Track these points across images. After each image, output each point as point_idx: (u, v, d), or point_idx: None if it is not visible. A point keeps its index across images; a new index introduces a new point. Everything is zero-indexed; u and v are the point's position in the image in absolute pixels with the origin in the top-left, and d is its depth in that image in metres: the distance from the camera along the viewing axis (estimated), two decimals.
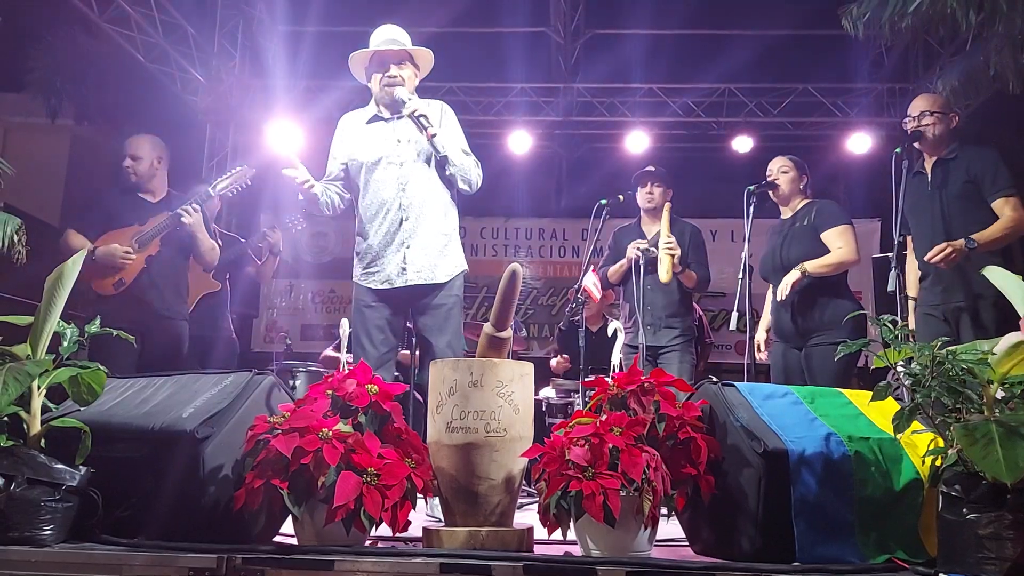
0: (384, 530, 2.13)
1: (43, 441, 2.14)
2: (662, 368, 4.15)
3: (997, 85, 6.32)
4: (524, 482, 2.63)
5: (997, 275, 2.08)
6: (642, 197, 4.68)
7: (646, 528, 2.11)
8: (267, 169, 8.45)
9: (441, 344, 3.25)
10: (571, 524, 2.11)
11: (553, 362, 6.27)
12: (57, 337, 2.27)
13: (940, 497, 1.87)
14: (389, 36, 3.44)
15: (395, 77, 3.35)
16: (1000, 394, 1.88)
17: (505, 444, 2.28)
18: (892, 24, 5.47)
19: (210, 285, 4.86)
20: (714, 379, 2.40)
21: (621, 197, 4.59)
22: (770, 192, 4.22)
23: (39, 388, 2.16)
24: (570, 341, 6.00)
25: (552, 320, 9.13)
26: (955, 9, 5.00)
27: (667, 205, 4.56)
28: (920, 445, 2.10)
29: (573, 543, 2.22)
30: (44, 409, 2.21)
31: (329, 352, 6.11)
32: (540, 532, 2.27)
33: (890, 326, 2.08)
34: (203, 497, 2.15)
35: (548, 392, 5.78)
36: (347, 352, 2.60)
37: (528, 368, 2.42)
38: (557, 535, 2.17)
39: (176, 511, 2.13)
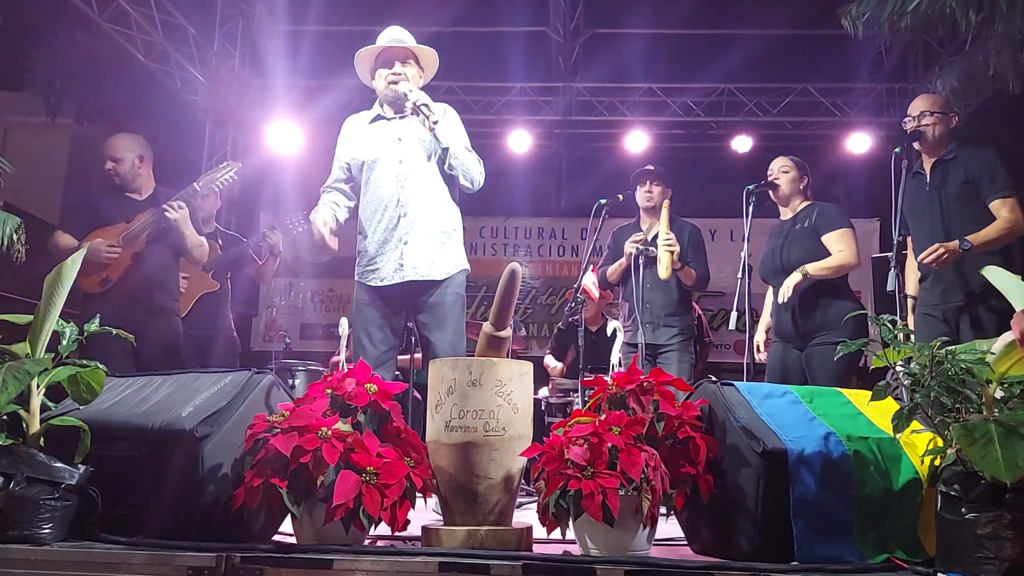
0: (383, 529, 2.13)
1: (42, 440, 2.14)
2: (661, 367, 4.18)
3: (997, 85, 6.33)
4: (523, 481, 2.63)
5: (996, 275, 2.08)
6: (641, 196, 4.69)
7: (645, 527, 2.11)
8: (266, 169, 8.51)
9: (442, 343, 3.22)
10: (570, 523, 2.12)
11: (551, 361, 6.25)
12: (56, 336, 2.27)
13: (939, 497, 1.87)
14: (395, 36, 3.46)
15: (399, 74, 3.35)
16: (999, 394, 1.88)
17: (504, 443, 2.28)
18: (891, 24, 5.47)
19: (208, 284, 4.85)
20: (713, 378, 2.40)
21: (620, 197, 4.58)
22: (770, 192, 4.22)
23: (38, 387, 2.16)
24: (569, 341, 6.00)
25: (551, 319, 9.14)
26: (954, 9, 5.00)
27: (666, 203, 4.56)
28: (919, 445, 2.11)
29: (572, 542, 2.22)
30: (43, 408, 2.21)
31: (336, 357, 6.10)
32: (539, 531, 2.27)
33: (889, 326, 2.08)
34: (202, 496, 2.15)
35: (547, 391, 5.79)
36: (346, 350, 2.60)
37: (527, 367, 2.42)
38: (556, 534, 2.17)
39: (175, 510, 2.13)
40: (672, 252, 4.33)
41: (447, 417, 2.30)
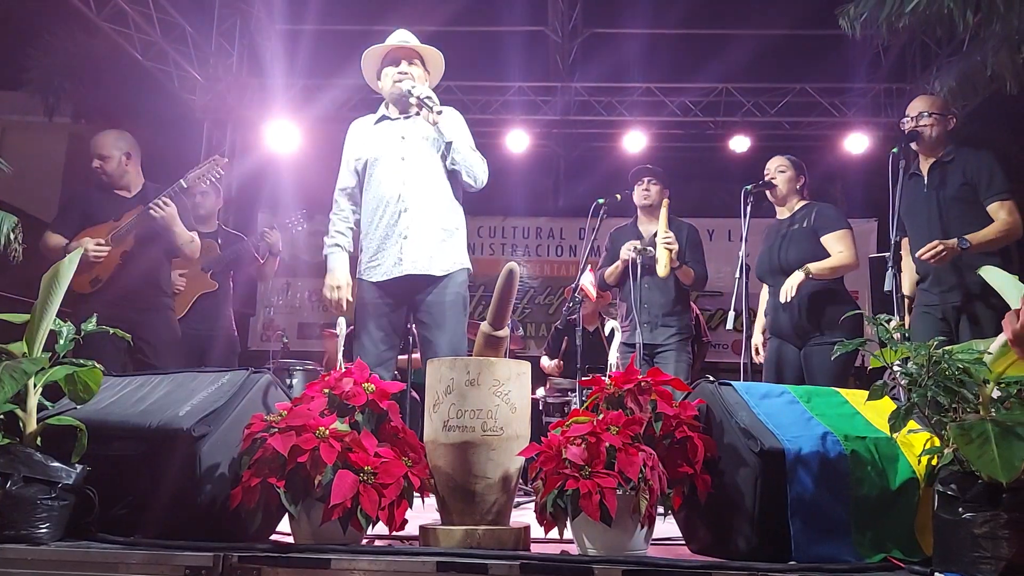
0: (381, 529, 2.13)
1: (39, 439, 2.14)
2: (659, 366, 4.18)
3: (994, 85, 6.33)
4: (521, 481, 2.63)
5: (993, 275, 2.09)
6: (638, 194, 4.69)
7: (642, 527, 2.11)
8: (265, 168, 8.50)
9: (442, 343, 3.21)
10: (568, 523, 2.12)
11: (547, 362, 6.25)
12: (53, 335, 2.27)
13: (936, 496, 1.87)
14: (401, 38, 3.49)
15: (405, 73, 3.37)
16: (996, 393, 1.89)
17: (502, 443, 2.28)
18: (889, 24, 5.47)
19: (207, 284, 4.85)
20: (711, 378, 2.40)
21: (618, 196, 4.59)
22: (767, 192, 4.23)
23: (35, 386, 2.16)
24: (564, 340, 6.00)
25: (549, 319, 9.14)
26: (952, 9, 5.00)
27: (665, 201, 4.57)
28: (916, 444, 2.11)
29: (570, 542, 2.22)
30: (40, 407, 2.21)
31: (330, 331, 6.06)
32: (537, 531, 2.26)
33: (886, 326, 2.08)
34: (200, 495, 2.14)
35: (541, 393, 5.79)
36: (343, 349, 2.60)
37: (525, 367, 2.42)
38: (554, 534, 2.17)
39: (173, 509, 2.13)
40: (671, 250, 4.33)
41: (445, 417, 2.30)
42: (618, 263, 4.57)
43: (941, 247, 3.47)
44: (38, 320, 2.19)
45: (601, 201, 4.52)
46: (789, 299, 3.88)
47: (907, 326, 3.72)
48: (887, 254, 3.63)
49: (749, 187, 4.10)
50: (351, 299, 3.41)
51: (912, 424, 2.03)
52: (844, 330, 3.80)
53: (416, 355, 4.84)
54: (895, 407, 1.99)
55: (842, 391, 2.45)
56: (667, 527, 2.45)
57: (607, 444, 2.08)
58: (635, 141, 8.68)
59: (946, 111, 3.89)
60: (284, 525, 2.27)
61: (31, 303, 2.20)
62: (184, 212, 4.07)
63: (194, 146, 8.57)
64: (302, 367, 5.84)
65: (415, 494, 2.18)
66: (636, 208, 4.75)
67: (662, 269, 4.32)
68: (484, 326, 2.56)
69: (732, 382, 2.39)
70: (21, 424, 2.13)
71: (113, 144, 4.08)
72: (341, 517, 2.01)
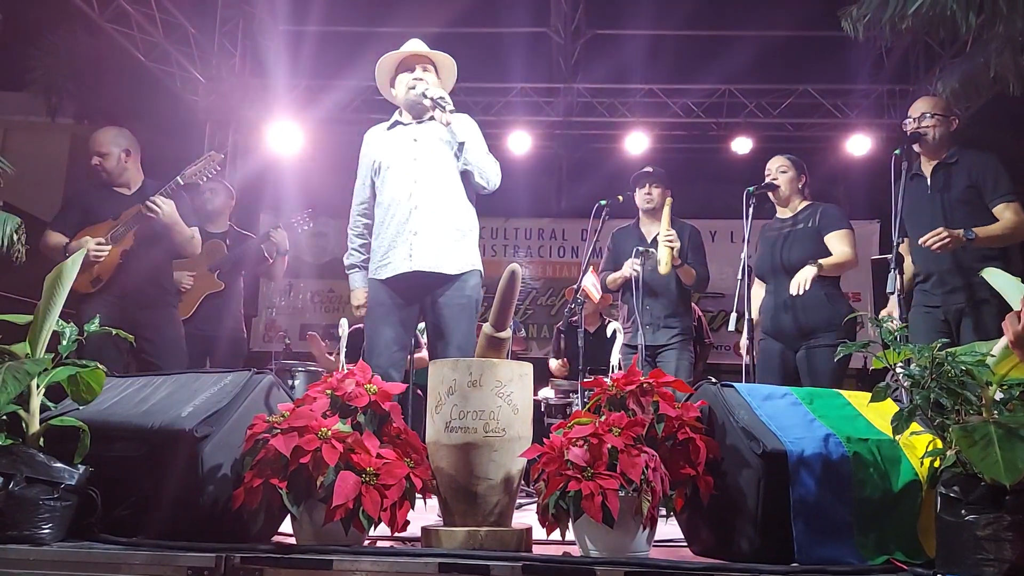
0: (383, 530, 2.13)
1: (42, 440, 2.15)
2: (660, 367, 4.18)
3: (997, 87, 6.32)
4: (523, 482, 2.63)
5: (996, 277, 2.09)
6: (641, 198, 4.69)
7: (645, 529, 2.11)
8: (267, 169, 8.51)
9: (451, 345, 3.20)
10: (570, 524, 2.12)
11: (554, 365, 6.26)
12: (56, 336, 2.27)
13: (938, 498, 1.87)
14: (415, 47, 3.52)
15: (419, 79, 3.40)
16: (999, 396, 1.89)
17: (504, 444, 2.28)
18: (892, 26, 5.46)
19: (213, 285, 4.85)
20: (713, 380, 2.40)
21: (620, 198, 4.58)
22: (769, 193, 4.23)
23: (38, 387, 2.16)
24: (569, 342, 6.00)
25: (551, 320, 9.13)
26: (955, 11, 4.99)
27: (668, 200, 4.56)
28: (919, 446, 2.11)
29: (572, 543, 2.22)
30: (43, 408, 2.21)
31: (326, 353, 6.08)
32: (539, 532, 2.27)
33: (889, 327, 2.08)
34: (202, 496, 2.15)
35: (547, 392, 5.78)
36: (346, 349, 2.60)
37: (527, 368, 2.42)
38: (556, 535, 2.18)
39: (175, 510, 2.13)
40: (672, 248, 4.33)
41: (447, 418, 2.30)
42: (619, 275, 4.57)
43: (946, 234, 3.47)
44: (41, 321, 2.19)
45: (603, 203, 4.52)
46: (801, 292, 3.87)
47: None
48: (889, 256, 3.63)
49: (751, 189, 4.10)
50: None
51: (915, 426, 2.04)
52: (841, 332, 3.84)
53: (418, 355, 4.85)
54: (898, 409, 1.99)
55: (844, 393, 2.45)
56: (669, 529, 2.45)
57: (609, 445, 2.08)
58: (637, 142, 8.68)
59: (948, 112, 3.89)
60: (286, 526, 2.27)
61: (34, 304, 2.21)
62: (184, 209, 4.06)
63: (196, 147, 8.56)
64: (304, 368, 5.84)
65: (417, 495, 2.18)
66: (638, 209, 4.74)
67: (663, 266, 4.32)
68: (486, 327, 2.56)
69: (734, 383, 2.39)
70: (24, 425, 2.14)
71: (112, 141, 4.07)
72: (343, 518, 2.01)
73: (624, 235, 4.75)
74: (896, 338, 2.06)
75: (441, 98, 3.24)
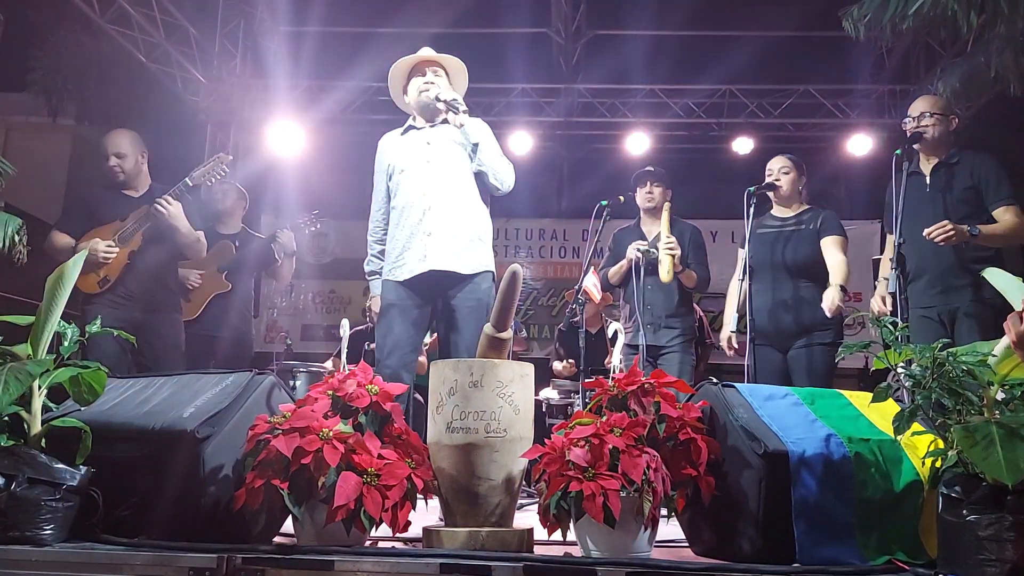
0: (384, 530, 2.13)
1: (44, 441, 2.14)
2: (662, 368, 4.18)
3: (998, 87, 6.31)
4: (524, 483, 2.63)
5: (996, 276, 2.09)
6: (642, 197, 4.69)
7: (646, 529, 2.11)
8: (268, 170, 8.51)
9: (461, 346, 3.20)
10: (571, 525, 2.12)
11: (559, 366, 6.25)
12: (58, 337, 2.27)
13: (940, 498, 1.87)
14: (426, 54, 3.55)
15: (431, 83, 3.43)
16: (1000, 396, 1.88)
17: (505, 445, 2.28)
18: (893, 26, 5.45)
19: (221, 286, 4.85)
20: (714, 380, 2.40)
21: (622, 198, 4.59)
22: (770, 193, 4.24)
23: (40, 388, 2.16)
24: (570, 343, 6.00)
25: (552, 321, 9.13)
26: (956, 11, 4.99)
27: (667, 205, 4.57)
28: (920, 447, 2.11)
29: (573, 544, 2.22)
30: (45, 409, 2.21)
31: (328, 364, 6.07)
32: (540, 533, 2.27)
33: (891, 327, 2.08)
34: (203, 497, 2.15)
35: (548, 393, 5.78)
36: (347, 351, 2.60)
37: (528, 369, 2.42)
38: (557, 536, 2.18)
39: (176, 511, 2.14)
40: (673, 255, 4.33)
41: (448, 418, 2.30)
42: (623, 262, 4.57)
43: (950, 227, 3.49)
44: (43, 322, 2.19)
45: (604, 203, 4.52)
46: (829, 313, 3.89)
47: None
48: (891, 256, 3.63)
49: (752, 189, 4.10)
50: None
51: (916, 426, 2.03)
52: (833, 332, 3.93)
53: (421, 358, 4.85)
54: (899, 409, 1.99)
55: (846, 393, 2.45)
56: (671, 529, 2.45)
57: (611, 446, 2.08)
58: (638, 143, 8.68)
59: (948, 111, 3.90)
60: (288, 527, 2.27)
61: (35, 305, 2.21)
62: (190, 211, 4.08)
63: (197, 148, 8.58)
64: (305, 369, 5.84)
65: (418, 496, 2.18)
66: (639, 209, 4.74)
67: (665, 274, 4.32)
68: (487, 328, 2.56)
69: (735, 384, 2.39)
70: (26, 426, 2.14)
71: (131, 143, 4.12)
72: (345, 519, 2.01)
73: (625, 235, 4.74)
74: (897, 338, 2.06)
75: (454, 100, 3.28)
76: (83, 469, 2.10)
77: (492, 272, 3.37)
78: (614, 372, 2.41)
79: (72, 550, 1.98)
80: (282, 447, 2.03)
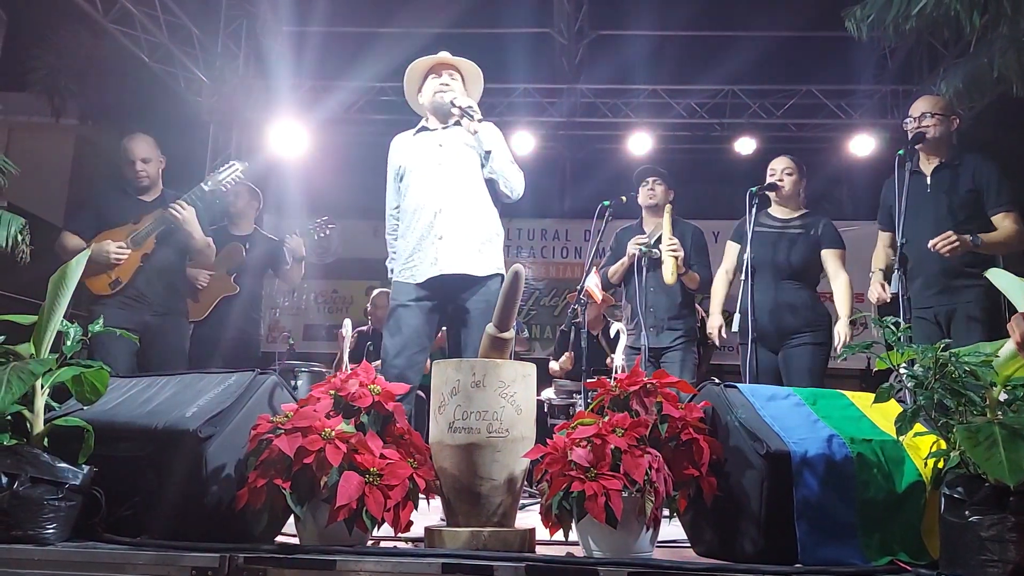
0: (386, 530, 2.13)
1: (46, 440, 2.15)
2: (664, 368, 4.18)
3: (1001, 87, 6.30)
4: (526, 483, 2.63)
5: (1000, 278, 2.09)
6: (643, 195, 4.69)
7: (648, 529, 2.11)
8: (271, 170, 8.52)
9: (469, 347, 3.20)
10: (573, 525, 2.12)
11: (556, 365, 6.25)
12: (60, 336, 2.27)
13: (942, 499, 1.87)
14: (442, 55, 3.57)
15: (447, 85, 3.45)
16: (1003, 396, 1.88)
17: (507, 445, 2.28)
18: (896, 26, 5.44)
19: (229, 288, 4.86)
20: (716, 380, 2.40)
21: (624, 198, 4.59)
22: (770, 192, 4.24)
23: (42, 387, 2.16)
24: (568, 342, 6.00)
25: (554, 321, 9.13)
26: (959, 11, 4.98)
27: (668, 206, 4.57)
28: (922, 447, 2.11)
29: (575, 544, 2.22)
30: (47, 408, 2.22)
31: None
32: (542, 533, 2.27)
33: (893, 328, 2.08)
34: (206, 496, 2.15)
35: (550, 393, 5.78)
36: (350, 350, 2.60)
37: (530, 369, 2.42)
38: (559, 536, 2.18)
39: (179, 510, 2.14)
40: (676, 257, 4.33)
41: (451, 418, 2.30)
42: (624, 260, 4.57)
43: (954, 237, 3.49)
44: (45, 321, 2.20)
45: (606, 203, 4.51)
46: (839, 349, 3.92)
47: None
48: (894, 257, 3.63)
49: (754, 189, 4.10)
50: None
51: (918, 427, 2.03)
52: (824, 333, 3.98)
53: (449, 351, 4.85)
54: (901, 410, 1.99)
55: (848, 393, 2.44)
56: (672, 529, 2.45)
57: (613, 446, 2.08)
58: (641, 143, 8.68)
59: (949, 111, 3.89)
60: (290, 526, 2.27)
61: (38, 305, 2.21)
62: (200, 217, 4.11)
63: (200, 148, 8.59)
64: (308, 368, 5.85)
65: (420, 495, 2.18)
66: (641, 209, 4.74)
67: (669, 276, 4.32)
68: (489, 328, 2.56)
69: (738, 384, 2.39)
70: (28, 425, 2.14)
71: (153, 148, 4.18)
72: (347, 518, 2.01)
73: (627, 235, 4.74)
74: (899, 339, 2.06)
75: (470, 107, 3.29)
76: (86, 468, 2.10)
77: (502, 274, 3.37)
78: (616, 373, 2.41)
79: (74, 549, 1.98)
80: (284, 447, 2.03)
